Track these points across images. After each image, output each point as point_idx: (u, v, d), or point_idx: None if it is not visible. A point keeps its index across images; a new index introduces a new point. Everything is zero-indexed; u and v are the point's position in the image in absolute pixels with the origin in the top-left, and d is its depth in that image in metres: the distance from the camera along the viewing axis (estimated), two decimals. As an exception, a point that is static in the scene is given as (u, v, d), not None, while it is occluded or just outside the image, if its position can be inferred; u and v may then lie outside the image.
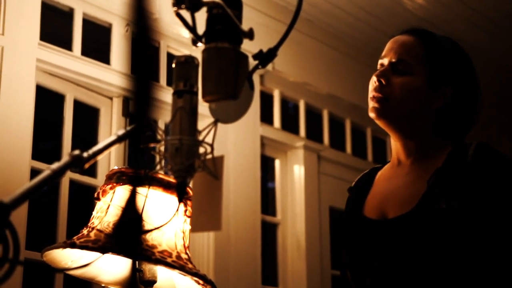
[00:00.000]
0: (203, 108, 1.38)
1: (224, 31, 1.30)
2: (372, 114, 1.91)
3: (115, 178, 2.23)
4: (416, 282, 1.77)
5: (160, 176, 2.19)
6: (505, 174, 1.79)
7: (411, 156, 1.92)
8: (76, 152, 1.23)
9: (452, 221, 1.74)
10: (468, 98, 1.95)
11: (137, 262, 2.21)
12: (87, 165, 1.24)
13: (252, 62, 1.36)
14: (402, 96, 1.88)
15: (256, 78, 4.26)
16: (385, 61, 1.95)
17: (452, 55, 1.96)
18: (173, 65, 1.33)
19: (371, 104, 1.91)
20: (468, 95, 1.95)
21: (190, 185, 1.35)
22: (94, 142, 3.64)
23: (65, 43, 3.55)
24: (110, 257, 2.24)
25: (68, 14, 3.65)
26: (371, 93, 1.92)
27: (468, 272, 1.74)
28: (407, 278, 1.78)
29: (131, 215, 0.91)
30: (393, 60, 1.92)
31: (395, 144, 1.95)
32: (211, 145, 1.29)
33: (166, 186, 2.19)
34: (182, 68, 1.32)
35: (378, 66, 1.97)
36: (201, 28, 1.33)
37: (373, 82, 1.93)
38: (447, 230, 1.74)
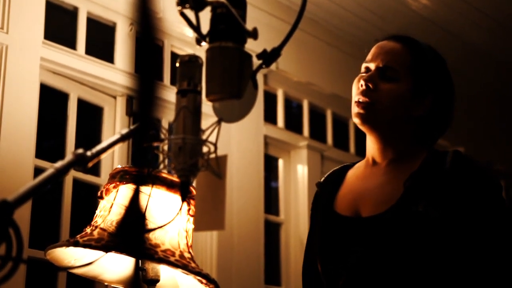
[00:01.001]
0: (207, 107, 1.38)
1: (228, 30, 1.31)
2: (356, 120, 1.93)
3: (119, 177, 2.24)
4: (390, 282, 1.79)
5: (164, 175, 2.19)
6: (481, 185, 1.83)
7: (388, 158, 1.95)
8: (80, 150, 1.24)
9: (428, 225, 1.78)
10: (446, 107, 1.99)
11: (140, 261, 2.22)
12: (90, 164, 1.25)
13: (256, 62, 1.36)
14: (388, 103, 1.91)
15: (259, 77, 4.26)
16: (371, 65, 1.97)
17: (435, 65, 2.00)
18: (177, 64, 1.33)
19: (356, 109, 1.93)
20: (446, 103, 1.99)
21: (194, 184, 1.35)
22: (98, 140, 3.64)
23: (69, 42, 3.56)
24: (113, 255, 2.24)
25: (72, 13, 3.65)
26: (356, 96, 1.94)
27: (439, 275, 1.78)
28: (381, 278, 1.80)
29: (134, 214, 0.91)
30: (381, 65, 1.94)
31: (372, 146, 1.97)
32: (215, 145, 1.29)
33: (169, 185, 2.19)
34: (186, 67, 1.32)
35: (363, 69, 1.99)
36: (205, 28, 1.33)
37: (359, 85, 1.94)
38: (422, 233, 1.78)
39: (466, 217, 1.78)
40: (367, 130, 1.95)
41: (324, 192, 2.04)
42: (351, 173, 2.03)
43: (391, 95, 1.91)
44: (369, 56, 1.99)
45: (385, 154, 1.95)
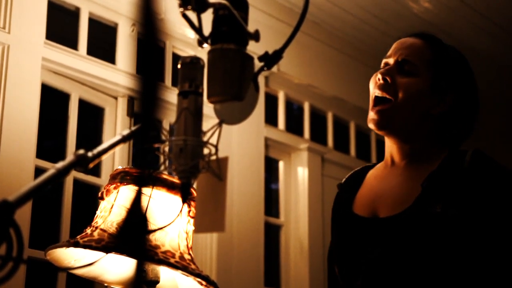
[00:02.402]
0: (208, 109, 1.38)
1: (230, 32, 1.31)
2: (372, 126, 1.91)
3: (119, 178, 2.24)
4: (407, 282, 1.77)
5: (164, 176, 2.19)
6: (501, 183, 1.80)
7: (406, 158, 1.92)
8: (81, 151, 1.24)
9: (446, 226, 1.75)
10: (468, 107, 1.95)
11: (140, 262, 2.21)
12: (91, 165, 1.25)
13: (258, 64, 1.36)
14: (405, 98, 1.87)
15: (261, 79, 4.27)
16: (390, 60, 1.94)
17: (458, 63, 1.96)
18: (179, 66, 1.33)
19: (371, 115, 1.90)
20: (468, 104, 1.95)
21: (194, 186, 1.35)
22: (99, 141, 3.64)
23: (71, 42, 3.56)
24: (113, 256, 2.24)
25: (74, 14, 3.65)
26: (373, 91, 1.91)
27: (458, 276, 1.75)
28: (398, 278, 1.78)
29: (136, 216, 0.91)
30: (399, 59, 1.92)
31: (390, 146, 1.95)
32: (216, 146, 1.29)
33: (170, 186, 2.19)
34: (188, 69, 1.32)
35: (382, 65, 1.96)
36: (207, 29, 1.33)
37: (376, 79, 1.92)
38: (440, 234, 1.75)
39: (485, 217, 1.75)
40: (383, 134, 1.93)
41: (344, 193, 2.02)
42: (371, 174, 2.01)
43: (409, 90, 1.87)
44: (389, 52, 1.96)
45: (403, 154, 1.92)
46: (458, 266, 1.75)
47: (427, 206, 1.77)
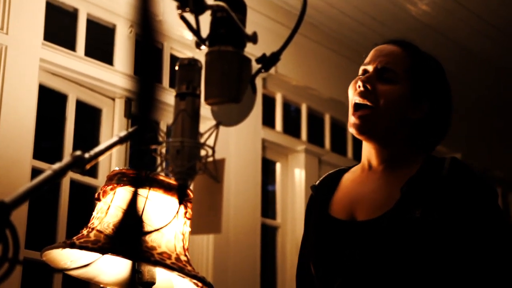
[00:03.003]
0: (205, 110, 1.38)
1: (228, 34, 1.31)
2: (352, 130, 1.94)
3: (116, 179, 2.24)
4: (386, 285, 1.78)
5: (161, 178, 2.19)
6: (478, 191, 1.85)
7: (384, 162, 1.95)
8: (78, 152, 1.24)
9: (425, 231, 1.78)
10: (442, 114, 2.00)
11: (136, 263, 2.21)
12: (88, 166, 1.24)
13: (255, 66, 1.36)
14: (386, 105, 1.91)
15: (258, 81, 4.27)
16: (369, 67, 1.97)
17: (434, 70, 2.00)
18: (176, 68, 1.33)
19: (352, 119, 1.93)
20: (442, 111, 2.00)
21: (191, 187, 1.35)
22: (96, 142, 3.64)
23: (69, 43, 3.56)
24: (109, 257, 2.24)
25: (72, 15, 3.65)
26: (353, 98, 1.94)
27: (435, 281, 1.78)
28: (377, 282, 1.80)
29: (132, 217, 0.91)
30: (379, 66, 1.94)
31: (368, 150, 1.98)
32: (213, 148, 1.29)
33: (166, 188, 2.19)
34: (185, 71, 1.32)
35: (361, 72, 1.99)
36: (205, 31, 1.33)
37: (356, 86, 1.94)
38: (419, 238, 1.78)
39: (462, 223, 1.79)
40: (363, 139, 1.96)
41: (319, 195, 2.04)
42: (347, 177, 2.03)
43: (389, 96, 1.90)
44: (367, 59, 1.99)
45: (381, 158, 1.95)
46: (435, 270, 1.78)
47: (407, 211, 1.81)
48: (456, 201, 1.80)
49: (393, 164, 1.93)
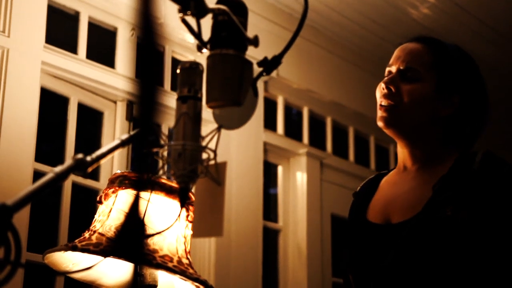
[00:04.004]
0: (207, 113, 1.39)
1: (229, 37, 1.31)
2: (380, 123, 1.91)
3: (118, 182, 2.24)
4: (420, 287, 1.76)
5: (163, 181, 2.19)
6: (511, 184, 1.79)
7: (417, 162, 1.92)
8: (80, 155, 1.24)
9: (457, 229, 1.73)
10: (476, 106, 1.95)
11: (138, 266, 2.21)
12: (90, 169, 1.25)
13: (257, 69, 1.36)
14: (411, 104, 1.88)
15: (260, 84, 4.27)
16: (393, 68, 1.95)
17: (461, 63, 1.96)
18: (178, 71, 1.33)
19: (379, 113, 1.91)
20: (476, 103, 1.95)
21: (193, 190, 1.35)
22: (98, 145, 3.64)
23: (71, 46, 3.56)
24: (111, 260, 2.24)
25: (74, 18, 3.65)
26: (379, 100, 1.92)
27: (470, 280, 1.73)
28: (410, 284, 1.77)
29: (134, 220, 0.91)
30: (402, 67, 1.92)
31: (401, 151, 1.96)
32: (214, 151, 1.29)
33: (168, 191, 2.19)
34: (187, 74, 1.32)
35: (386, 73, 1.97)
36: (206, 35, 1.34)
37: (381, 89, 1.93)
38: (451, 237, 1.73)
39: (496, 219, 1.74)
40: (392, 134, 1.93)
41: (358, 202, 2.02)
42: (384, 181, 2.02)
43: (413, 95, 1.88)
44: (391, 60, 1.97)
45: (414, 158, 1.92)
46: (469, 270, 1.73)
47: (438, 210, 1.77)
48: (488, 196, 1.75)
49: (427, 164, 1.90)
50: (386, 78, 1.94)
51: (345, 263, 1.97)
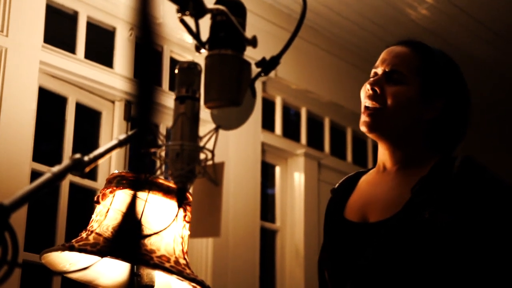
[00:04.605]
0: (205, 114, 1.39)
1: (228, 38, 1.31)
2: (363, 128, 1.93)
3: (115, 182, 2.23)
4: (395, 287, 1.77)
5: (161, 181, 2.19)
6: (489, 189, 1.80)
7: (398, 164, 1.94)
8: (77, 155, 1.24)
9: (434, 232, 1.75)
10: (459, 111, 1.97)
11: (135, 266, 2.21)
12: (87, 169, 1.25)
13: (255, 69, 1.36)
14: (395, 106, 1.89)
15: (258, 84, 4.27)
16: (379, 70, 1.96)
17: (446, 68, 1.98)
18: (176, 71, 1.33)
19: (363, 117, 1.93)
20: (459, 108, 1.97)
21: (190, 190, 1.35)
22: (95, 145, 3.64)
23: (69, 46, 3.56)
24: (108, 260, 2.24)
25: (72, 17, 3.65)
26: (363, 101, 1.94)
27: (445, 283, 1.75)
28: (386, 283, 1.78)
29: (131, 220, 0.91)
30: (387, 69, 1.94)
31: (382, 152, 1.97)
32: (212, 151, 1.29)
33: (166, 191, 2.19)
34: (185, 74, 1.32)
35: (372, 75, 1.98)
36: (204, 35, 1.33)
37: (365, 89, 1.94)
38: (429, 240, 1.75)
39: (472, 223, 1.75)
40: (375, 138, 1.95)
41: (336, 199, 2.03)
42: (363, 179, 2.03)
43: (398, 98, 1.89)
44: (377, 62, 1.99)
45: (395, 159, 1.94)
46: (446, 271, 1.75)
47: (416, 212, 1.78)
48: (466, 200, 1.76)
49: (407, 165, 1.91)
50: (371, 79, 1.95)
51: (321, 258, 1.98)
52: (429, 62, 1.95)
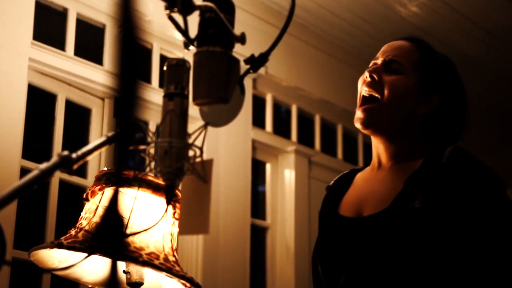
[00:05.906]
0: (194, 110, 1.38)
1: (216, 35, 1.31)
2: (358, 125, 1.93)
3: (104, 179, 2.23)
4: (389, 280, 1.77)
5: (150, 178, 2.19)
6: (478, 179, 1.80)
7: (393, 159, 1.94)
8: (65, 152, 1.23)
9: (425, 222, 1.75)
10: (455, 109, 1.98)
11: (124, 263, 2.21)
12: (75, 166, 1.24)
13: (244, 66, 1.36)
14: (391, 95, 1.90)
15: (248, 81, 4.27)
16: (378, 61, 1.97)
17: (445, 67, 1.99)
18: (165, 68, 1.33)
19: (358, 113, 1.93)
20: (454, 107, 1.98)
21: (179, 187, 1.35)
22: (85, 142, 3.63)
23: (58, 43, 3.55)
24: (97, 258, 2.24)
25: (61, 14, 3.64)
26: (360, 89, 1.94)
27: (439, 273, 1.75)
28: (381, 276, 1.78)
29: (113, 216, 0.91)
30: (387, 59, 1.95)
31: (377, 147, 1.97)
32: (201, 148, 1.29)
33: (155, 188, 2.18)
34: (174, 71, 1.32)
35: (370, 65, 1.99)
36: (193, 32, 1.33)
37: (364, 77, 1.95)
38: (420, 230, 1.75)
39: (464, 212, 1.74)
40: (370, 133, 1.95)
41: (331, 196, 2.04)
42: (358, 176, 2.03)
43: (395, 87, 1.90)
44: (378, 54, 2.00)
45: (389, 155, 1.94)
46: (439, 262, 1.75)
47: (407, 203, 1.78)
48: (456, 188, 1.76)
49: (402, 160, 1.92)
50: (370, 67, 1.96)
51: (315, 253, 1.98)
52: (429, 58, 1.96)
